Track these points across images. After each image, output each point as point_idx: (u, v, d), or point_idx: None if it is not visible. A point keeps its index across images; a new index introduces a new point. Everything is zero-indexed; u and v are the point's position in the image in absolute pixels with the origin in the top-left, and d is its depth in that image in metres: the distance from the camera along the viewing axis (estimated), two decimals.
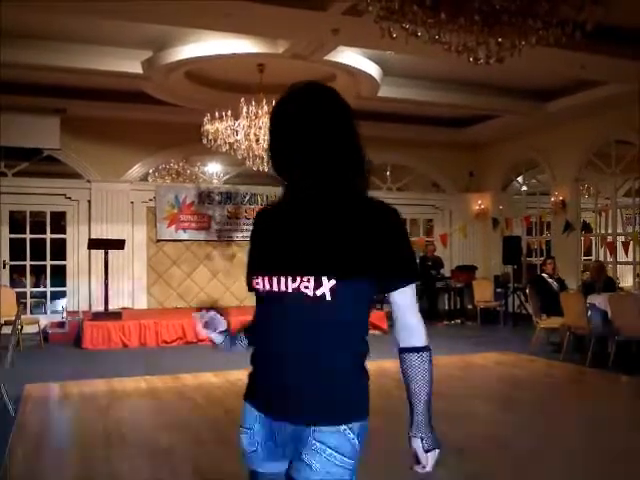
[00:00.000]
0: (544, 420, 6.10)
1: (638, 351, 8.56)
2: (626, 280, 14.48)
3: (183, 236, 13.02)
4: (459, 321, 13.66)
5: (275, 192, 11.69)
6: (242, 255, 13.39)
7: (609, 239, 13.53)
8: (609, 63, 9.04)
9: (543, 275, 10.60)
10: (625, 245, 13.38)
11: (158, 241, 12.91)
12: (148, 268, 12.88)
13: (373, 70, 9.87)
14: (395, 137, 13.66)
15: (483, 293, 13.70)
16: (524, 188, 16.12)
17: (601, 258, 13.61)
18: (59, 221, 12.73)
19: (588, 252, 14.70)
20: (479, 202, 14.95)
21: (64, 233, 12.56)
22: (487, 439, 5.46)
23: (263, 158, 10.08)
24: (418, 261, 14.44)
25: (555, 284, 10.18)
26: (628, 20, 8.21)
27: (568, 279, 11.32)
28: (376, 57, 9.61)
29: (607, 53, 8.72)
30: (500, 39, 5.41)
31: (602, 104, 11.11)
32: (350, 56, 9.37)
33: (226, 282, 13.24)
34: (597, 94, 10.90)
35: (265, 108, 9.42)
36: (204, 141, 10.08)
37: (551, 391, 7.58)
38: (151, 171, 13.45)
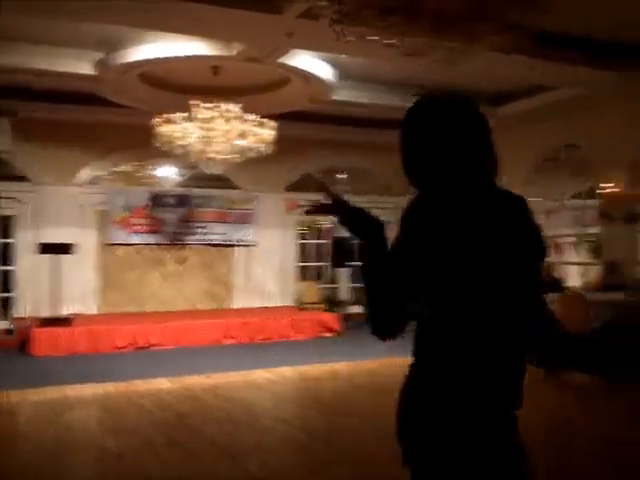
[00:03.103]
0: None
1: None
2: (574, 280, 14.80)
3: (135, 240, 12.85)
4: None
5: (231, 195, 11.56)
6: (197, 258, 13.29)
7: (558, 240, 13.81)
8: (558, 68, 9.22)
9: None
10: (572, 246, 13.69)
11: (109, 245, 12.71)
12: (99, 273, 12.67)
13: (328, 73, 9.89)
14: (348, 140, 13.72)
15: None
16: None
17: (550, 259, 13.88)
18: (7, 225, 12.42)
19: None
20: None
21: (12, 237, 12.27)
22: None
23: (216, 161, 10.02)
24: None
25: None
26: (576, 26, 8.39)
27: None
28: (331, 60, 9.64)
29: (556, 58, 8.89)
30: (451, 44, 5.48)
31: (552, 109, 11.33)
32: (305, 59, 9.37)
33: (179, 286, 13.10)
34: (547, 99, 11.12)
35: (221, 108, 9.38)
36: (157, 144, 9.97)
37: None
38: (102, 174, 13.24)
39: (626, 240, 10.72)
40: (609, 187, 11.05)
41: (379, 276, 1.81)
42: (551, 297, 8.94)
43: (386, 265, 1.79)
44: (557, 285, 10.32)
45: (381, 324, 1.85)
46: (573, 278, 14.91)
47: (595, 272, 12.76)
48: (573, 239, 14.10)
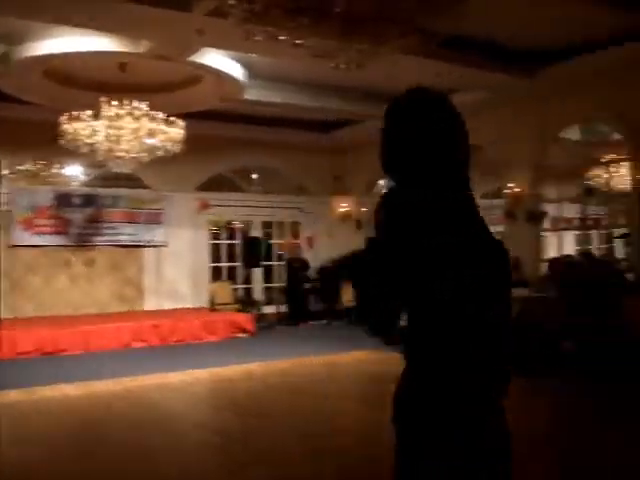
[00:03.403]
0: None
1: None
2: None
3: (40, 241, 12.39)
4: (326, 321, 13.86)
5: (140, 195, 11.23)
6: (105, 260, 12.95)
7: None
8: (465, 72, 9.50)
9: None
10: None
11: (13, 247, 12.21)
12: (2, 276, 12.14)
13: (239, 72, 9.83)
14: (262, 140, 13.70)
15: (349, 293, 13.96)
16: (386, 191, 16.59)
17: None
18: None
19: None
20: (344, 204, 15.24)
21: None
22: (355, 436, 5.57)
23: (125, 159, 9.81)
24: (285, 263, 14.49)
25: None
26: (485, 32, 8.68)
27: None
28: (242, 59, 9.58)
29: (464, 62, 9.16)
30: (359, 46, 5.55)
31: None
32: (216, 58, 9.29)
33: (87, 289, 12.74)
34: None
35: (130, 106, 9.18)
36: (62, 142, 9.66)
37: None
38: (5, 173, 12.69)
39: (529, 238, 11.16)
40: (513, 187, 11.47)
41: (365, 281, 1.84)
42: None
43: (369, 270, 1.81)
44: None
45: (374, 322, 1.85)
46: None
47: None
48: None
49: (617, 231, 13.06)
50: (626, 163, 10.75)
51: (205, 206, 13.92)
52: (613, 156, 11.65)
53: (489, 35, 8.86)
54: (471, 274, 1.79)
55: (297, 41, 5.40)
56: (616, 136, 11.28)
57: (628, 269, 10.36)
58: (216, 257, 14.75)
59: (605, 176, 12.37)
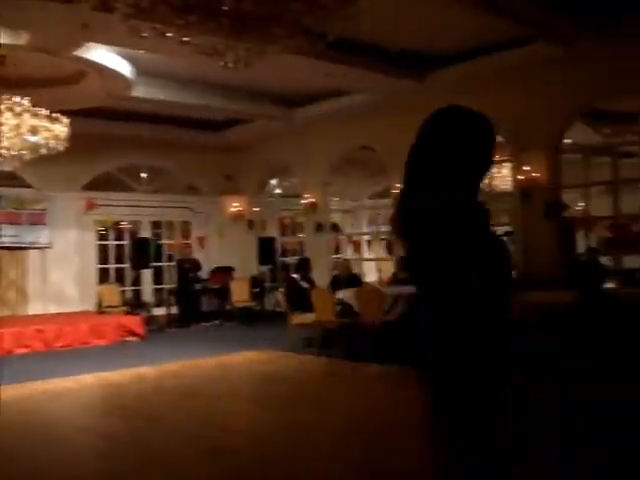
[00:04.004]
0: (302, 414, 6.36)
1: (380, 341, 9.22)
2: (370, 275, 15.61)
3: None
4: (218, 322, 13.76)
5: (22, 194, 10.77)
6: None
7: (355, 238, 14.49)
8: (353, 74, 9.68)
9: (293, 275, 11.12)
10: (369, 243, 14.44)
11: None
12: None
13: (125, 69, 9.60)
14: (152, 138, 13.44)
15: (241, 293, 13.95)
16: (278, 191, 16.70)
17: (349, 256, 14.54)
18: None
19: (338, 250, 15.63)
20: (235, 204, 15.18)
21: None
22: (246, 436, 5.57)
23: (6, 157, 9.37)
24: (175, 264, 14.24)
25: (305, 283, 10.68)
26: (370, 34, 8.88)
27: (321, 277, 11.94)
28: (130, 56, 9.36)
29: (352, 64, 9.34)
30: (248, 44, 5.56)
31: (347, 112, 11.86)
32: (102, 54, 9.02)
33: None
34: (343, 102, 11.63)
35: (8, 102, 8.78)
36: None
37: (307, 385, 7.92)
38: None
39: None
40: (400, 187, 11.77)
41: None
42: (350, 291, 9.38)
43: None
44: (356, 280, 10.83)
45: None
46: (370, 273, 15.73)
47: (389, 267, 13.54)
48: (369, 237, 14.86)
49: (500, 229, 13.67)
50: (508, 164, 11.28)
51: (92, 206, 13.51)
52: (495, 157, 12.17)
53: (379, 38, 9.09)
54: (491, 275, 1.87)
55: (184, 38, 5.34)
56: (498, 138, 11.79)
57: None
58: (104, 259, 14.34)
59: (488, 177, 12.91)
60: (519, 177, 10.21)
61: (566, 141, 10.21)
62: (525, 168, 10.02)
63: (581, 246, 10.85)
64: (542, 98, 9.54)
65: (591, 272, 9.22)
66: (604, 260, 9.91)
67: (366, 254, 14.47)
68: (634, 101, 10.00)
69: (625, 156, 9.80)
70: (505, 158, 11.15)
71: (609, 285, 8.93)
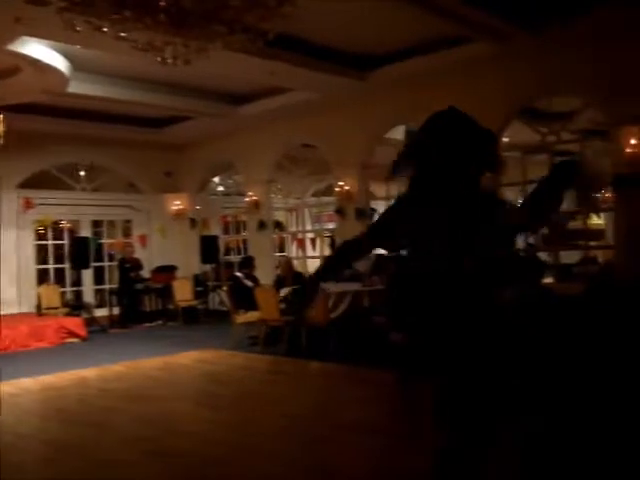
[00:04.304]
0: (245, 413, 6.34)
1: (326, 339, 9.26)
2: None
3: None
4: (161, 322, 13.60)
5: None
6: None
7: (299, 236, 14.51)
8: (295, 72, 9.68)
9: (237, 274, 11.07)
10: (313, 241, 14.48)
11: None
12: None
13: (61, 64, 9.37)
14: (90, 135, 13.19)
15: (183, 293, 13.83)
16: (221, 188, 16.61)
17: (293, 254, 14.56)
18: None
19: (282, 248, 15.64)
20: (177, 202, 15.02)
21: None
22: (190, 437, 5.52)
23: None
24: (117, 264, 14.01)
25: (249, 281, 10.64)
26: (313, 34, 8.91)
27: (265, 275, 11.92)
28: (66, 51, 9.14)
29: (294, 62, 9.33)
30: (187, 41, 5.50)
31: (290, 110, 11.86)
32: (36, 48, 8.78)
33: None
34: (285, 100, 11.61)
35: None
36: None
37: (251, 383, 7.89)
38: None
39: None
40: (343, 185, 11.85)
41: None
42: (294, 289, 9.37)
43: None
44: (300, 278, 10.83)
45: None
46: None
47: None
48: (313, 235, 14.89)
49: None
50: None
51: (29, 205, 13.18)
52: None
53: (321, 37, 9.11)
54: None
55: (121, 34, 5.24)
56: None
57: None
58: (43, 259, 14.00)
59: None
60: None
61: (504, 140, 10.40)
62: None
63: (519, 242, 11.05)
64: (479, 96, 9.70)
65: (530, 267, 9.41)
66: (542, 256, 10.14)
67: (310, 252, 14.50)
68: (570, 100, 10.29)
69: (560, 154, 10.03)
70: None
71: (547, 280, 9.16)
